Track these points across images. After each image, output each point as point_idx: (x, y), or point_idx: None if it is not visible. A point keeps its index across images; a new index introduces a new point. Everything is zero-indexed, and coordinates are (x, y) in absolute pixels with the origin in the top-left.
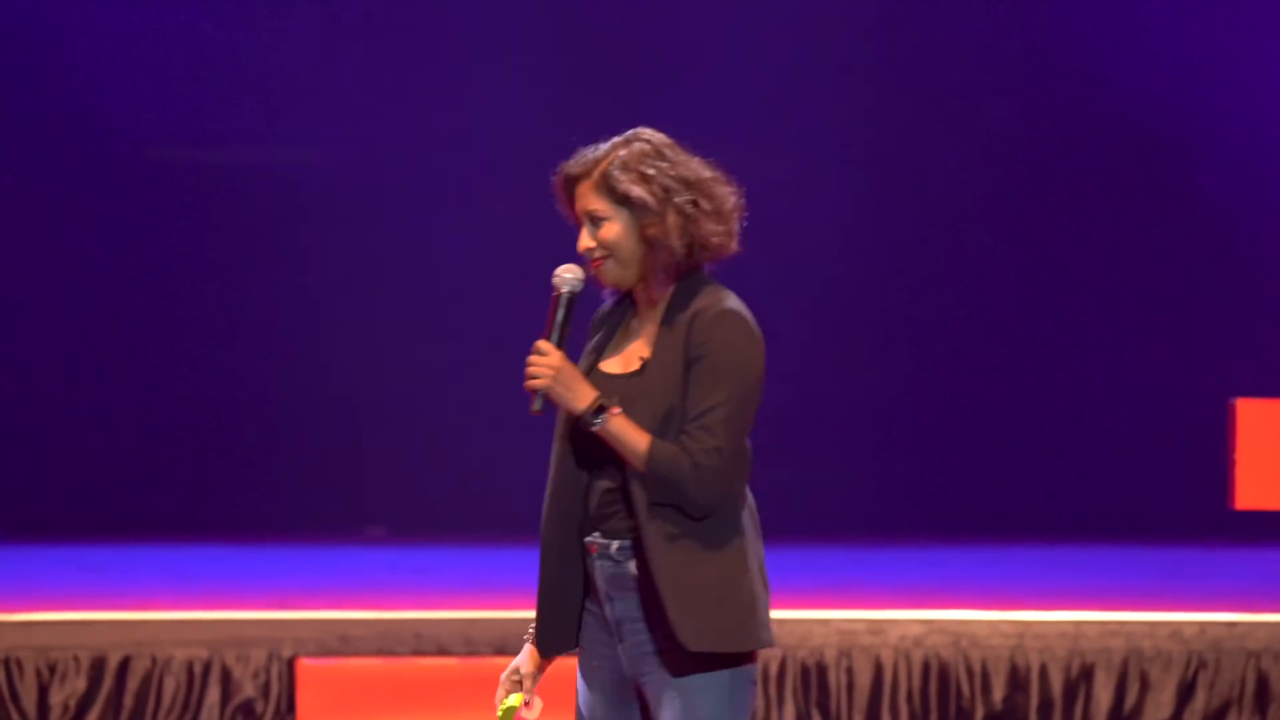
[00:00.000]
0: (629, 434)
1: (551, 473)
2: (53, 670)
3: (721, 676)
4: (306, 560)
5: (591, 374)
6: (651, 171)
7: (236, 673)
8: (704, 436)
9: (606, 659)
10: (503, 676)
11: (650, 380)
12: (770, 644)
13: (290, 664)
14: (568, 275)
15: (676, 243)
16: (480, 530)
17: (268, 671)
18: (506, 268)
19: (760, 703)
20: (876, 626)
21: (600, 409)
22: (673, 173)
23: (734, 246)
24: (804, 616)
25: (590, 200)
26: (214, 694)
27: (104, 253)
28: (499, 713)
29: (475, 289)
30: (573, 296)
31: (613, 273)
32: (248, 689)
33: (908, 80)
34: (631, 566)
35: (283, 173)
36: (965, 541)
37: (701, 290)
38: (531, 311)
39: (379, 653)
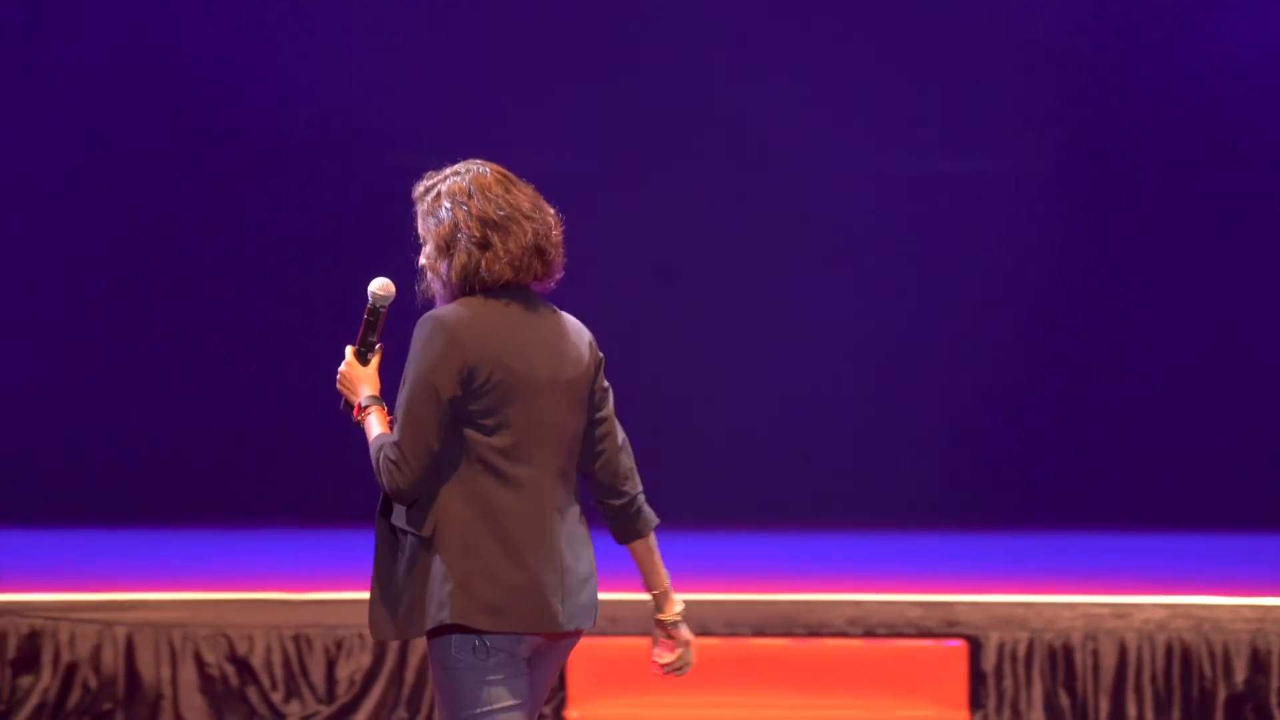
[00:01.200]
0: (371, 431)
1: None
2: (339, 646)
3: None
4: None
5: None
6: (453, 210)
7: None
8: (395, 431)
9: None
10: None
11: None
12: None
13: None
14: (379, 291)
15: (454, 277)
16: (738, 517)
17: None
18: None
19: (1009, 682)
20: (1121, 611)
21: (353, 409)
22: (473, 211)
23: (521, 277)
24: (1051, 600)
25: (417, 223)
26: None
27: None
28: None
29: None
30: (381, 309)
31: (432, 289)
32: None
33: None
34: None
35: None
36: (1203, 530)
37: (443, 305)
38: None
39: (644, 633)
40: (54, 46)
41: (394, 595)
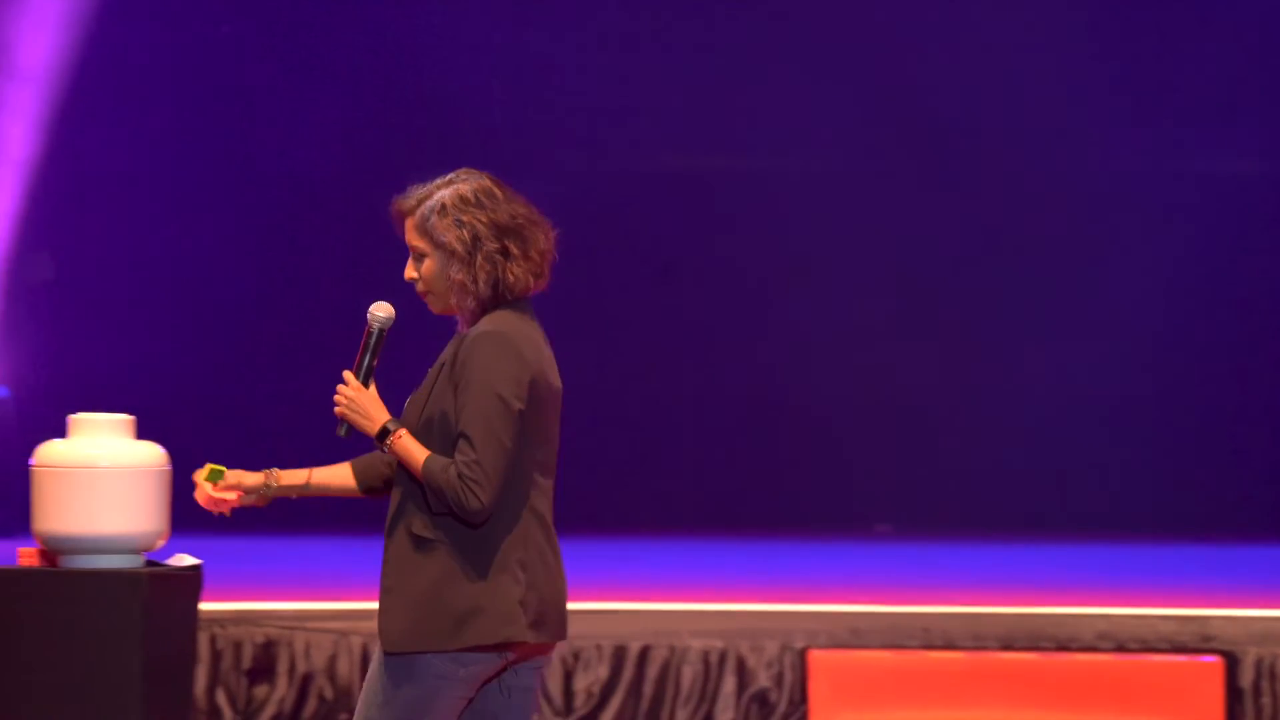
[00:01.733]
0: (411, 452)
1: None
2: (577, 658)
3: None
4: (818, 556)
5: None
6: (465, 218)
7: (751, 662)
8: (465, 449)
9: None
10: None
11: (419, 397)
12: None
13: (802, 655)
14: (380, 313)
15: (482, 287)
16: (981, 526)
17: (781, 662)
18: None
19: (1267, 700)
20: None
21: (386, 433)
22: (484, 219)
23: (538, 284)
24: None
25: (412, 236)
26: (730, 683)
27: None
28: (204, 474)
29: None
30: (382, 332)
31: (433, 303)
32: (762, 679)
33: None
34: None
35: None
36: None
37: (487, 318)
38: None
39: (887, 646)
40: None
41: (425, 605)
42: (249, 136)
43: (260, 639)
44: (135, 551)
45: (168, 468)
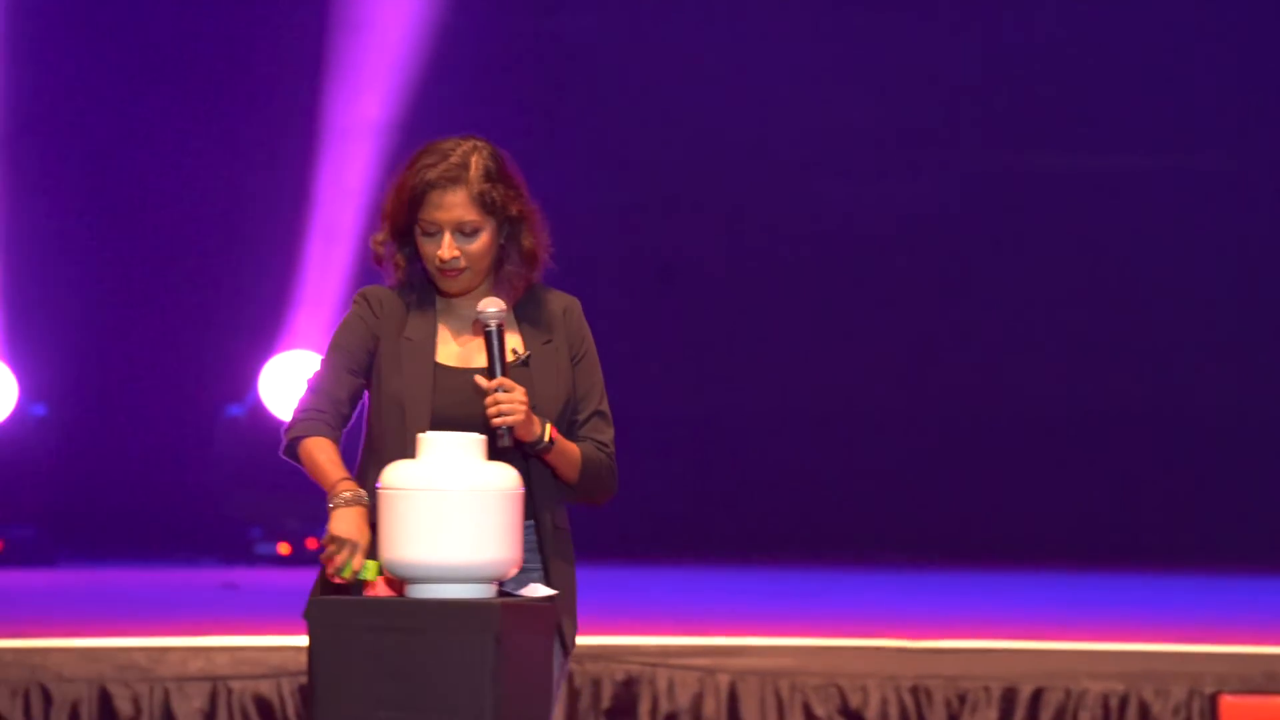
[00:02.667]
0: (568, 448)
1: None
2: (963, 700)
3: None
4: (1226, 591)
5: (436, 368)
6: (516, 182)
7: (1155, 708)
8: (604, 428)
9: None
10: (335, 544)
11: (539, 375)
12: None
13: (1213, 701)
14: (492, 310)
15: (544, 254)
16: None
17: (1188, 707)
18: None
19: None
20: None
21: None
22: (521, 184)
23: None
24: None
25: (463, 210)
26: None
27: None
28: (346, 574)
29: None
30: (501, 328)
31: (464, 282)
32: None
33: None
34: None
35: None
36: None
37: (550, 291)
38: None
39: None
40: None
41: (572, 603)
42: None
43: (620, 676)
44: (487, 580)
45: (520, 490)
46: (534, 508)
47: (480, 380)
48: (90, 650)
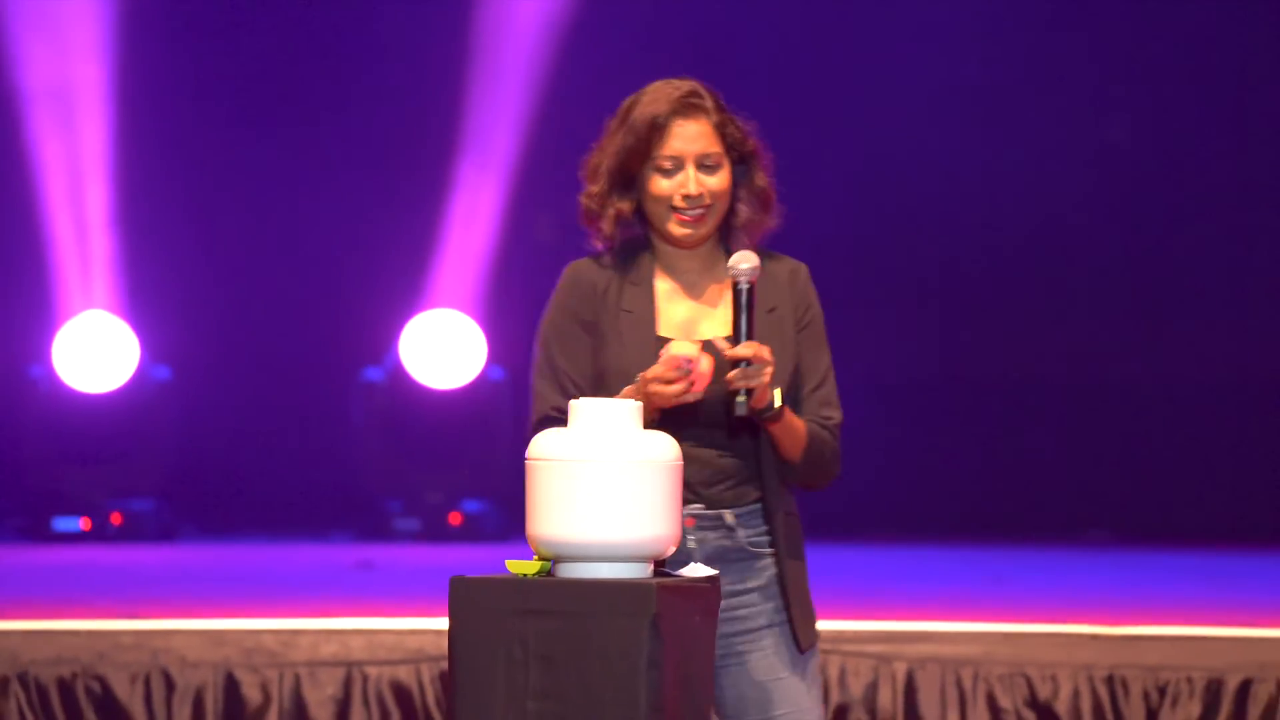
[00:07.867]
0: (795, 422)
1: None
2: (1162, 693)
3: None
4: None
5: (658, 341)
6: (740, 120)
7: None
8: (832, 410)
9: None
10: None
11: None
12: None
13: None
14: (745, 266)
15: (773, 197)
16: None
17: None
18: None
19: None
20: None
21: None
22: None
23: None
24: None
25: (707, 141)
26: None
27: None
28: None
29: None
30: (751, 286)
31: (705, 226)
32: None
33: None
34: (743, 535)
35: None
36: None
37: (771, 255)
38: None
39: None
40: None
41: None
42: None
43: None
44: (644, 559)
45: (679, 462)
46: (764, 489)
47: (723, 345)
48: (215, 633)
